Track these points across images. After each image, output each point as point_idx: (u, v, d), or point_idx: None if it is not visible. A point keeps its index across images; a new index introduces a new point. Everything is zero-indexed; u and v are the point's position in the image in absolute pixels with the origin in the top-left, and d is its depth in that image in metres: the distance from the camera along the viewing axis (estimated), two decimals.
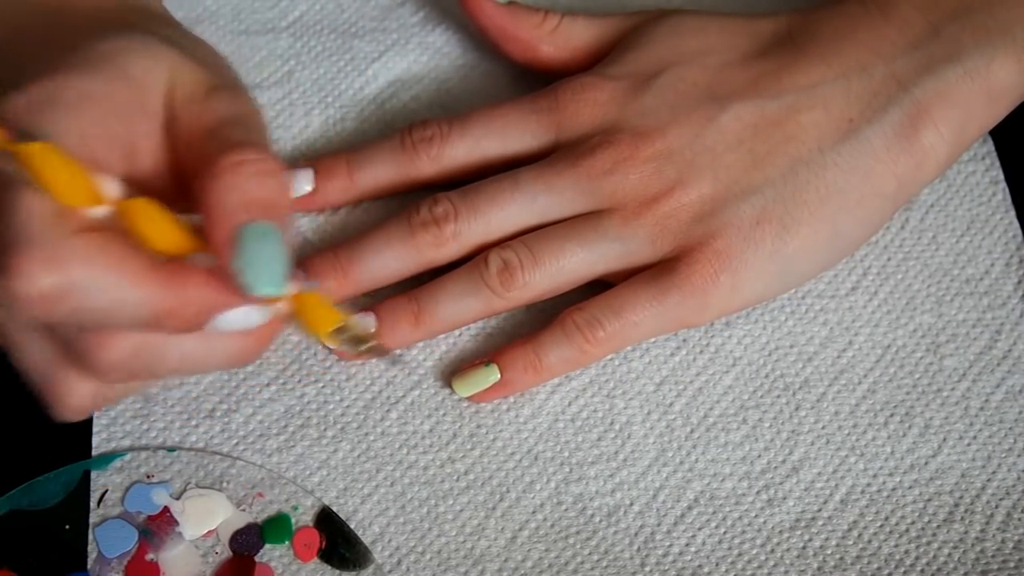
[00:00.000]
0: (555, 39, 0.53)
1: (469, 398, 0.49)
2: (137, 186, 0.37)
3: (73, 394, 0.38)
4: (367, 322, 0.48)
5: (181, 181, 0.38)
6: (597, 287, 0.49)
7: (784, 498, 0.48)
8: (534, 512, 0.47)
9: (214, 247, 0.35)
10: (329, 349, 0.49)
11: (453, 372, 0.49)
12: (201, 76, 0.38)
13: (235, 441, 0.48)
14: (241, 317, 0.37)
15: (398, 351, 0.49)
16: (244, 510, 0.47)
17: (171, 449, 0.47)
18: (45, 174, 0.34)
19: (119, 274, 0.34)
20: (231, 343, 0.38)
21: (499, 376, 0.48)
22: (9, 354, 0.38)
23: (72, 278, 0.33)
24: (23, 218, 0.34)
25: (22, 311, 0.34)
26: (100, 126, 0.36)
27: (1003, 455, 0.49)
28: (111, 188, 0.35)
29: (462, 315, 0.49)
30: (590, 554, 0.47)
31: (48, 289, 0.33)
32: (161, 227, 0.35)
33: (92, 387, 0.38)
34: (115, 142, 0.36)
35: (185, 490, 0.47)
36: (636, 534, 0.47)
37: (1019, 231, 0.53)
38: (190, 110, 0.38)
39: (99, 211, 0.35)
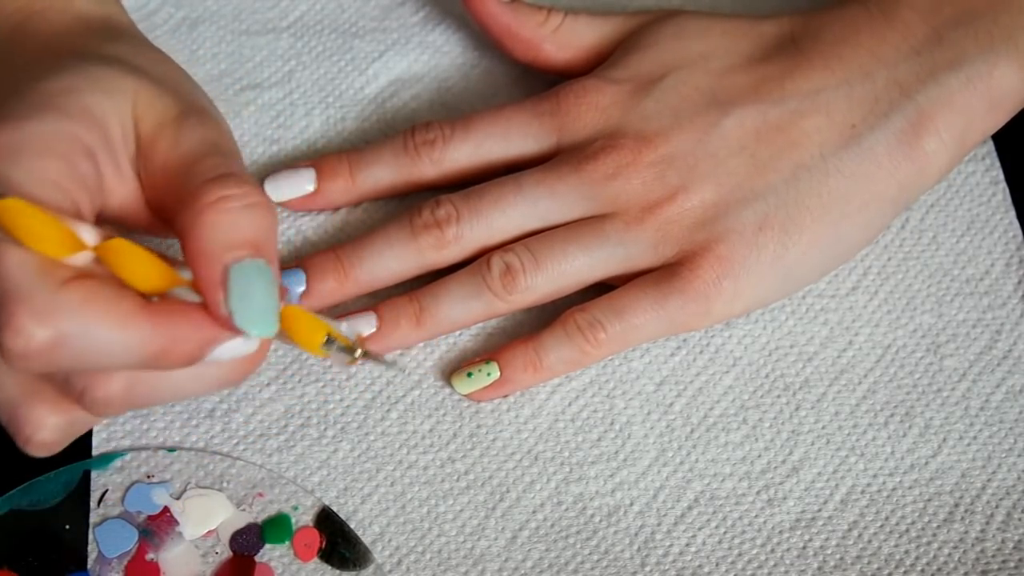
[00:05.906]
0: (557, 38, 0.53)
1: (468, 396, 0.49)
2: (113, 223, 0.36)
3: (42, 430, 0.37)
4: (355, 328, 0.46)
5: (159, 212, 0.38)
6: (599, 289, 0.49)
7: (784, 498, 0.48)
8: (534, 512, 0.47)
9: (202, 287, 0.35)
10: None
11: (453, 371, 0.49)
12: (167, 101, 0.38)
13: (235, 441, 0.48)
14: (232, 348, 0.36)
15: (390, 356, 0.49)
16: (244, 510, 0.47)
17: (171, 449, 0.47)
18: (20, 228, 0.33)
19: (110, 321, 0.34)
20: (221, 369, 0.38)
21: (499, 374, 0.48)
22: None
23: (64, 330, 0.33)
24: (8, 274, 0.33)
25: (15, 365, 0.34)
26: (66, 170, 0.35)
27: (1003, 455, 0.49)
28: (87, 233, 0.34)
29: (463, 317, 0.49)
30: (590, 554, 0.47)
31: (41, 343, 0.33)
32: (141, 266, 0.35)
33: (61, 421, 0.38)
34: (82, 183, 0.36)
35: (185, 490, 0.47)
36: (636, 534, 0.47)
37: (1019, 231, 0.53)
38: (161, 140, 0.37)
39: (80, 258, 0.34)
